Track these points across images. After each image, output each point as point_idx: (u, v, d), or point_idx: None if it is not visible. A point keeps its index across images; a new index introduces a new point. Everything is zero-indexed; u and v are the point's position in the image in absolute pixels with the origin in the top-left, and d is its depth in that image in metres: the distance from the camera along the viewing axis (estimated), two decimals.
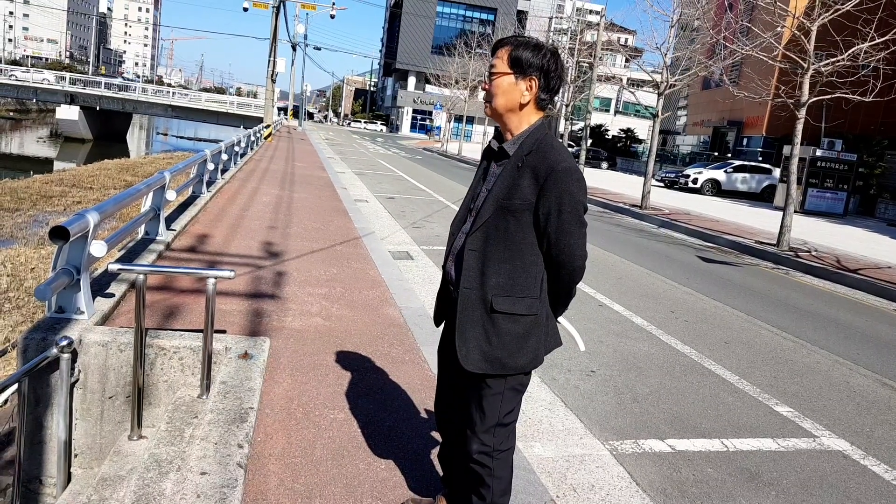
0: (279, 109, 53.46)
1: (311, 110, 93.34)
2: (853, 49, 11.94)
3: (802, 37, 12.28)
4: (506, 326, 2.12)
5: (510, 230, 2.10)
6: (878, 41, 11.79)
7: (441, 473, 2.71)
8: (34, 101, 54.59)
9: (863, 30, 11.95)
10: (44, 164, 32.58)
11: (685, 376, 5.02)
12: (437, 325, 2.45)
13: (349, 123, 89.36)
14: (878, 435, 4.35)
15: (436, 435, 3.24)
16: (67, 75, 53.13)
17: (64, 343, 3.14)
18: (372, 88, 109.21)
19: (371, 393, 3.69)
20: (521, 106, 2.15)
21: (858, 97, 12.21)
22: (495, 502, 2.29)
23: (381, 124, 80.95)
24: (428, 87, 70.01)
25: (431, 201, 14.84)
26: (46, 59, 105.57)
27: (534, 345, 2.16)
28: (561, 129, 36.24)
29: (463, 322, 2.16)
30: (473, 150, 44.23)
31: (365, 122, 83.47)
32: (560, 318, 2.36)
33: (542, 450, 3.59)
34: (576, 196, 2.06)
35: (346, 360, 4.12)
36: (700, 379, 5.00)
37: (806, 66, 12.25)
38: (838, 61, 12.14)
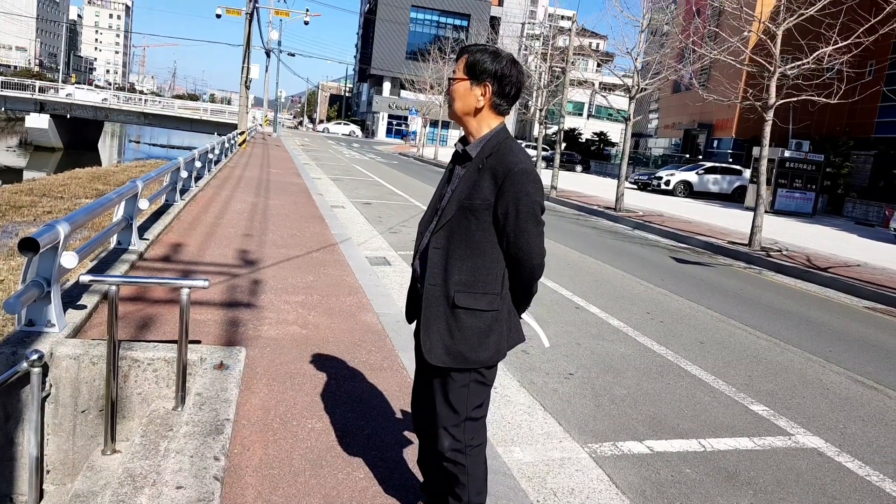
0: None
1: (284, 117, 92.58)
2: (818, 52, 12.20)
3: (768, 41, 12.53)
4: (468, 321, 2.19)
5: (472, 229, 2.17)
6: (841, 45, 12.06)
7: (421, 480, 2.70)
8: (2, 109, 53.51)
9: (827, 34, 12.22)
10: (13, 174, 31.92)
11: (662, 377, 5.07)
12: (410, 321, 2.50)
13: (315, 128, 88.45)
14: (851, 431, 4.43)
15: (415, 442, 3.22)
16: (37, 83, 52.13)
17: (34, 357, 3.08)
18: (347, 94, 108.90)
19: (349, 401, 3.67)
20: (477, 111, 2.24)
21: (824, 99, 12.48)
22: (472, 501, 2.31)
23: (356, 125, 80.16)
24: (403, 93, 70.03)
25: (408, 206, 14.82)
26: (15, 68, 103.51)
27: (495, 339, 2.23)
28: (535, 132, 36.45)
29: (427, 317, 2.23)
30: (449, 155, 44.21)
31: (332, 124, 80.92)
32: (524, 315, 2.42)
33: (521, 454, 3.60)
34: (532, 196, 2.14)
35: (324, 368, 4.09)
36: (676, 380, 5.05)
37: (772, 69, 12.48)
38: (804, 65, 12.40)
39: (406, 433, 3.35)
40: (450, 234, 2.20)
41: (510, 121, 64.37)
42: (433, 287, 2.22)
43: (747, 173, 28.30)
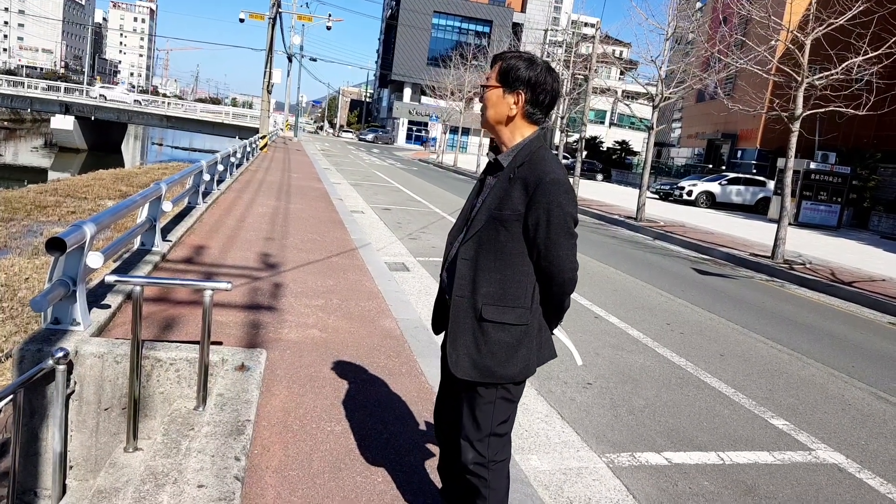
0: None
1: (305, 121, 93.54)
2: (847, 63, 12.05)
3: (796, 50, 12.40)
4: (495, 335, 2.14)
5: (501, 240, 2.12)
6: (871, 55, 11.90)
7: (440, 486, 2.70)
8: (28, 110, 54.50)
9: (856, 44, 12.06)
10: (38, 174, 32.52)
11: (681, 389, 5.02)
12: (437, 333, 2.46)
13: (336, 133, 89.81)
14: (873, 448, 4.36)
15: (434, 447, 3.23)
16: (62, 85, 53.06)
17: (60, 355, 3.13)
18: (368, 99, 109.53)
19: (368, 405, 3.68)
20: (509, 119, 2.19)
21: (852, 111, 12.31)
22: None
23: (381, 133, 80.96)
24: (424, 99, 70.24)
25: (427, 212, 14.86)
26: (41, 69, 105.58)
27: (524, 355, 2.17)
28: (556, 140, 36.40)
29: (454, 329, 2.19)
30: (469, 162, 44.34)
31: (356, 133, 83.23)
32: (557, 331, 2.37)
33: (538, 462, 3.59)
34: (564, 207, 2.09)
35: (343, 371, 4.12)
36: (696, 391, 5.01)
37: (800, 79, 12.35)
38: (832, 75, 12.25)
39: (424, 438, 3.36)
40: (479, 245, 2.15)
41: None
42: (460, 299, 2.17)
43: (771, 185, 27.99)
